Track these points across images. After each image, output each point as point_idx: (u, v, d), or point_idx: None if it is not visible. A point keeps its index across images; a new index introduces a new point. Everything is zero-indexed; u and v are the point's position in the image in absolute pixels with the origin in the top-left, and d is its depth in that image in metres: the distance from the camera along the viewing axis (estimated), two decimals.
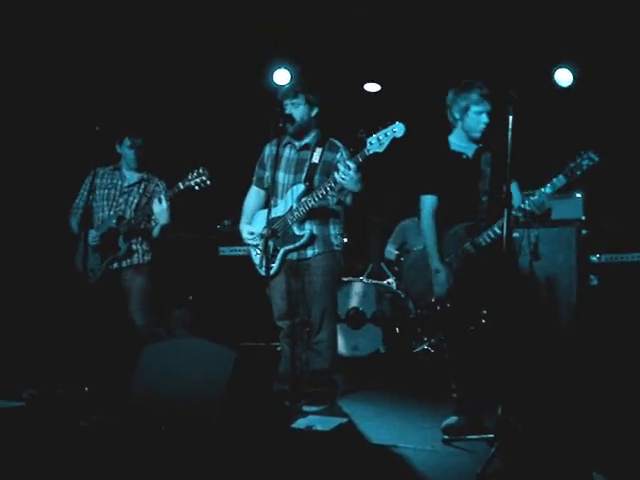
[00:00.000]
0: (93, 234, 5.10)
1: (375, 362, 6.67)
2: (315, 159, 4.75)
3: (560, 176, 3.92)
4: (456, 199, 4.19)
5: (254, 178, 5.04)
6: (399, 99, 7.43)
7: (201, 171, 4.84)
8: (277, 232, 4.65)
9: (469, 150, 4.24)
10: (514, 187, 3.98)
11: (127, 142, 5.26)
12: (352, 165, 4.26)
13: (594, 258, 6.58)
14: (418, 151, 4.29)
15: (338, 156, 4.71)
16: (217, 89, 7.59)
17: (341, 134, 4.81)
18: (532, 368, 4.69)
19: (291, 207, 4.67)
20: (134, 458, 3.51)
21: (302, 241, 4.67)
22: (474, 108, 4.14)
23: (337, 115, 5.45)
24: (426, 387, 5.47)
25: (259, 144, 5.04)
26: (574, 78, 7.26)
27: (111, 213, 5.18)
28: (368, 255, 7.92)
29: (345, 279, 6.87)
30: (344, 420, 4.47)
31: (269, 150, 4.94)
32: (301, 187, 4.68)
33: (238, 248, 7.13)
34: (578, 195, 6.20)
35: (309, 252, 4.72)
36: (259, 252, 4.80)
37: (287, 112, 4.73)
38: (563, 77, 7.29)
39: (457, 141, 4.27)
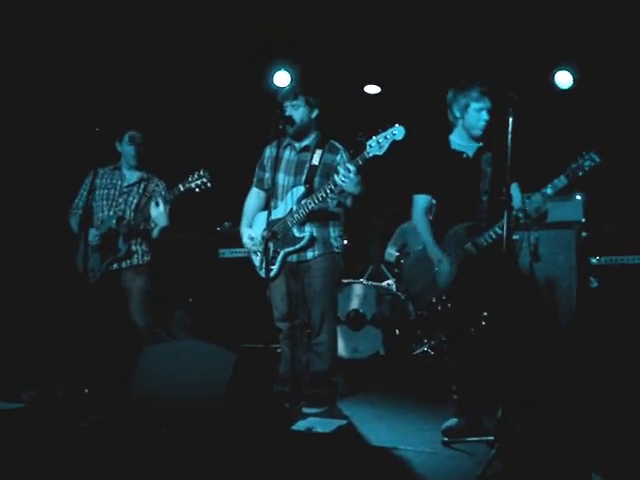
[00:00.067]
0: (94, 233, 5.09)
1: (375, 364, 6.67)
2: (315, 161, 4.75)
3: (562, 177, 3.92)
4: (456, 198, 4.19)
5: (254, 180, 5.04)
6: (399, 101, 7.44)
7: (202, 173, 4.84)
8: (277, 234, 4.65)
9: (470, 149, 4.24)
10: (515, 188, 3.98)
11: (127, 137, 5.25)
12: (352, 168, 4.26)
13: (594, 260, 6.59)
14: (417, 150, 4.30)
15: (338, 158, 4.72)
16: (217, 91, 7.59)
17: (341, 136, 4.81)
18: (532, 370, 4.69)
19: (291, 209, 4.67)
20: (134, 459, 3.50)
21: (302, 243, 4.68)
22: (474, 105, 4.15)
23: (337, 117, 5.46)
24: (426, 389, 5.47)
25: (259, 146, 5.05)
26: (574, 80, 7.26)
27: (111, 213, 5.17)
28: (368, 257, 7.91)
29: (345, 281, 6.87)
30: (344, 422, 4.46)
31: (269, 152, 4.94)
32: (301, 189, 4.69)
33: (238, 250, 7.13)
34: (578, 197, 6.20)
35: (309, 254, 4.72)
36: (259, 254, 4.80)
37: (287, 114, 4.73)
38: (563, 79, 7.30)
39: (458, 140, 4.28)
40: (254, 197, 5.03)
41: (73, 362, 4.82)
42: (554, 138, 6.82)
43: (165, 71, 7.19)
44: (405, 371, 6.47)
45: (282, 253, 4.71)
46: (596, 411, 4.42)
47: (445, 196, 4.28)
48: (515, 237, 4.15)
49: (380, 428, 4.39)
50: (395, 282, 7.22)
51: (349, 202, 4.67)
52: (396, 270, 7.20)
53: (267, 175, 4.91)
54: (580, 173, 3.89)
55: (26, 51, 6.44)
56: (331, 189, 4.43)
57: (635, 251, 6.60)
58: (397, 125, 4.19)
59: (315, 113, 4.82)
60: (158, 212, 4.94)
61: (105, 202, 5.22)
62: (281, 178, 4.81)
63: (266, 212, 4.62)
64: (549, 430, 4.05)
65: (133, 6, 6.48)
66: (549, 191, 3.95)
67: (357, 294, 6.96)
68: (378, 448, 3.97)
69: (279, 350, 4.93)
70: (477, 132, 4.20)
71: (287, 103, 4.76)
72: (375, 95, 8.19)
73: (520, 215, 3.94)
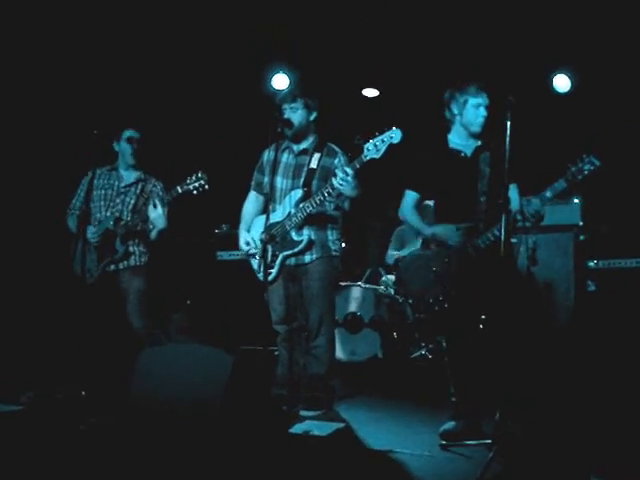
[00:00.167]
0: (92, 230, 5.08)
1: (373, 367, 6.67)
2: (313, 164, 4.75)
3: (561, 180, 3.93)
4: (454, 198, 4.20)
5: (252, 183, 5.04)
6: (397, 104, 7.45)
7: (199, 175, 4.84)
8: (275, 237, 4.66)
9: (468, 148, 4.25)
10: (513, 190, 3.99)
11: (125, 136, 5.25)
12: (349, 171, 4.27)
13: (592, 264, 6.59)
14: (414, 149, 4.32)
15: (336, 162, 4.72)
16: (216, 93, 7.59)
17: (339, 139, 4.82)
18: (530, 373, 4.70)
19: (289, 212, 4.68)
20: (132, 461, 3.50)
21: (300, 247, 4.68)
22: (472, 101, 4.17)
23: (335, 120, 5.46)
24: (424, 392, 5.47)
25: (257, 148, 5.05)
26: (572, 84, 7.28)
27: (108, 214, 5.17)
28: (366, 260, 7.91)
29: (343, 284, 6.87)
30: (341, 425, 4.46)
31: (268, 155, 4.94)
32: (299, 192, 4.69)
33: (236, 252, 7.11)
34: (576, 201, 6.21)
35: (307, 257, 4.72)
36: (258, 257, 4.80)
37: (286, 116, 4.74)
38: (561, 83, 7.31)
39: (456, 139, 4.29)
40: (252, 201, 5.03)
41: (71, 364, 4.82)
42: (552, 141, 6.83)
43: (164, 73, 7.19)
44: (403, 374, 6.47)
45: (281, 256, 4.71)
46: (594, 414, 4.43)
47: (443, 195, 4.30)
48: (513, 240, 4.16)
49: (378, 431, 4.39)
50: (393, 283, 7.20)
51: (347, 205, 4.68)
52: (394, 272, 7.20)
53: (265, 179, 4.91)
54: (580, 177, 3.89)
55: (25, 52, 6.44)
56: (329, 192, 4.43)
57: (633, 254, 6.60)
58: (394, 128, 4.21)
59: (313, 116, 4.83)
60: (156, 214, 4.94)
61: (102, 203, 5.22)
62: (279, 181, 4.81)
63: (264, 216, 4.63)
64: (547, 433, 4.05)
65: (132, 7, 6.48)
66: (548, 194, 3.96)
67: (355, 297, 6.96)
68: (376, 451, 3.97)
69: (277, 353, 4.93)
70: (476, 128, 4.21)
71: (285, 106, 4.76)
72: (373, 98, 8.20)
73: (518, 217, 3.95)
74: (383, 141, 4.19)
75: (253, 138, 5.16)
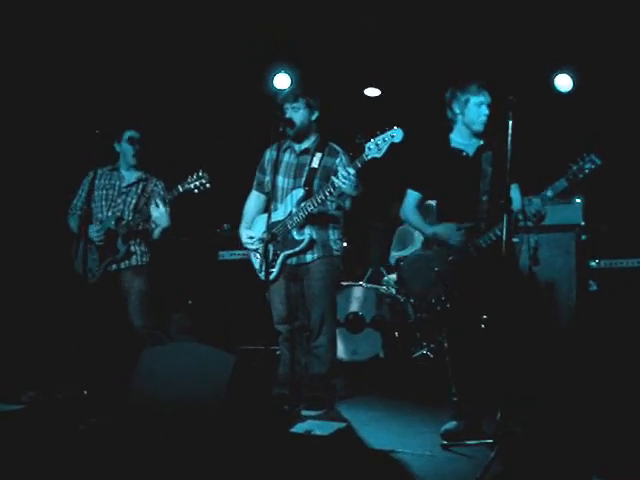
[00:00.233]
0: (95, 229, 5.08)
1: (374, 367, 6.66)
2: (315, 164, 4.75)
3: (562, 180, 3.93)
4: (456, 197, 4.20)
5: (254, 182, 5.04)
6: (399, 104, 7.44)
7: (200, 174, 4.84)
8: (277, 236, 4.65)
9: (470, 148, 4.25)
10: (515, 189, 3.99)
11: (126, 137, 5.25)
12: (351, 171, 4.27)
13: (593, 263, 6.59)
14: (416, 148, 4.32)
15: (337, 161, 4.72)
16: (217, 93, 7.59)
17: (341, 139, 4.82)
18: (532, 372, 4.69)
19: (290, 212, 4.67)
20: (133, 461, 3.50)
21: (302, 246, 4.67)
22: (474, 99, 4.16)
23: (337, 120, 5.46)
24: (425, 392, 5.47)
25: (259, 148, 5.05)
26: (574, 84, 7.27)
27: (109, 214, 5.17)
28: (368, 260, 7.91)
29: (345, 283, 6.87)
30: (343, 425, 4.46)
31: (269, 154, 4.94)
32: (300, 192, 4.69)
33: (238, 252, 7.13)
34: (578, 200, 6.20)
35: (308, 257, 4.72)
36: (259, 257, 4.80)
37: (287, 116, 4.74)
38: (563, 83, 7.31)
39: (458, 138, 4.29)
40: (254, 200, 5.03)
41: (72, 364, 4.82)
42: (554, 141, 6.83)
43: (165, 73, 7.19)
44: (404, 374, 6.46)
45: (282, 256, 4.71)
46: (596, 414, 4.42)
47: (445, 195, 4.29)
48: (515, 240, 4.15)
49: (379, 431, 4.39)
50: (395, 283, 7.20)
51: (347, 204, 4.67)
52: (396, 272, 7.19)
53: (267, 178, 4.91)
54: (580, 176, 3.89)
55: (25, 52, 6.44)
56: (330, 192, 4.43)
57: (634, 254, 6.60)
58: (396, 127, 4.21)
59: (315, 115, 4.82)
60: (159, 213, 4.94)
61: (104, 203, 5.22)
62: (281, 181, 4.81)
63: (266, 215, 4.63)
64: (549, 433, 4.05)
65: (133, 8, 6.48)
66: (549, 194, 3.95)
67: (356, 297, 6.96)
68: (377, 451, 3.97)
69: (278, 352, 4.93)
70: (478, 127, 4.21)
71: (287, 105, 4.76)
72: (375, 98, 8.19)
73: (520, 217, 3.94)
74: (385, 140, 4.19)
75: (255, 138, 5.16)
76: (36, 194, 6.60)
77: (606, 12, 6.34)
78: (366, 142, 4.24)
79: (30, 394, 4.94)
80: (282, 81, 7.64)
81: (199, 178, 4.84)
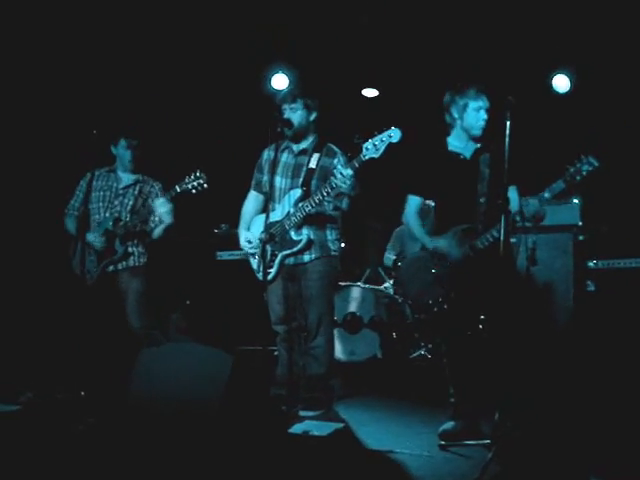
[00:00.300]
0: (96, 237, 5.08)
1: (372, 367, 6.67)
2: (312, 164, 4.75)
3: (559, 181, 3.93)
4: (454, 200, 4.20)
5: (252, 182, 5.04)
6: (397, 104, 7.44)
7: (198, 174, 4.86)
8: (275, 237, 4.65)
9: (467, 151, 4.25)
10: (512, 191, 3.99)
11: (123, 143, 5.26)
12: (349, 172, 4.27)
13: (591, 264, 6.59)
14: (414, 152, 4.32)
15: (335, 162, 4.71)
16: (215, 93, 7.59)
17: (339, 139, 4.82)
18: (529, 373, 4.69)
19: (288, 212, 4.68)
20: (131, 462, 3.50)
21: (300, 246, 4.67)
22: (472, 104, 4.16)
23: (335, 120, 5.46)
24: (423, 392, 5.47)
25: (257, 148, 5.05)
26: (572, 84, 7.27)
27: (107, 215, 5.18)
28: (366, 260, 7.91)
29: (343, 284, 6.87)
30: (340, 425, 4.46)
31: (267, 155, 4.94)
32: (298, 192, 4.69)
33: (235, 252, 7.12)
34: (575, 201, 6.21)
35: (306, 257, 4.72)
36: (257, 257, 4.80)
37: (285, 116, 4.74)
38: (561, 83, 7.31)
39: (455, 142, 4.29)
40: (252, 200, 5.03)
41: (70, 364, 4.82)
42: (552, 142, 6.83)
43: (163, 73, 7.19)
44: (402, 374, 6.47)
45: (280, 256, 4.71)
46: (594, 414, 4.43)
47: (443, 198, 4.30)
48: (512, 240, 4.16)
49: (377, 431, 4.39)
50: (392, 285, 7.22)
51: (344, 204, 4.66)
52: (393, 274, 7.20)
53: (265, 178, 4.91)
54: (578, 178, 3.89)
55: (24, 53, 6.44)
56: (327, 192, 4.43)
57: (632, 254, 6.60)
58: (393, 127, 4.20)
59: (313, 116, 4.83)
60: (166, 209, 4.97)
61: (101, 204, 5.22)
62: (278, 181, 4.81)
63: (264, 215, 4.64)
64: (546, 433, 4.05)
65: (132, 8, 6.48)
66: (547, 195, 3.96)
67: (354, 297, 6.96)
68: (375, 451, 3.97)
69: (276, 353, 4.93)
70: (476, 132, 4.21)
71: (285, 106, 4.76)
72: (373, 98, 8.19)
73: (517, 219, 3.95)
74: (382, 140, 4.19)
75: (253, 138, 5.16)
76: (34, 194, 6.59)
77: (604, 12, 6.34)
78: (364, 142, 4.24)
79: (28, 395, 4.94)
80: (280, 81, 7.64)
81: (197, 178, 4.85)
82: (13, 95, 6.57)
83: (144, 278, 5.21)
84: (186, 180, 4.87)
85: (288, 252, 4.70)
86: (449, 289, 4.11)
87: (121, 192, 5.26)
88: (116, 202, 5.23)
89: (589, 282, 6.44)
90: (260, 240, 4.68)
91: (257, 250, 4.78)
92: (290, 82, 7.52)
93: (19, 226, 6.57)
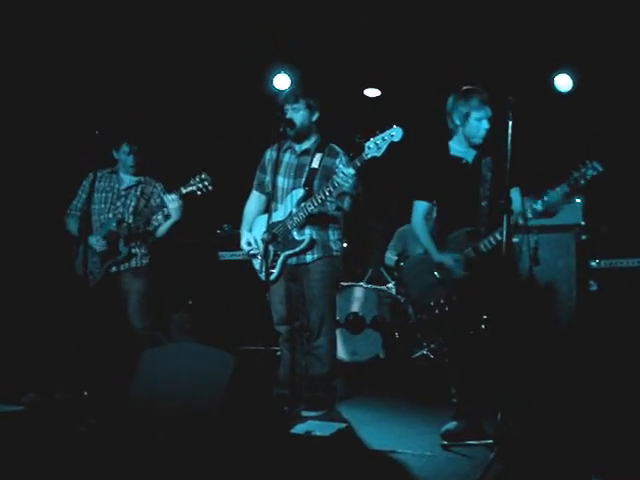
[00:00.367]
0: (98, 240, 5.08)
1: (374, 367, 6.66)
2: (315, 164, 4.75)
3: (563, 185, 3.91)
4: (457, 204, 4.20)
5: (255, 183, 5.04)
6: (399, 104, 7.44)
7: (203, 176, 4.87)
8: (277, 237, 4.65)
9: (469, 155, 4.25)
10: (515, 192, 3.98)
11: (125, 148, 5.27)
12: (351, 171, 4.27)
13: (594, 263, 6.58)
14: (417, 156, 4.32)
15: (337, 162, 4.71)
16: (217, 94, 7.59)
17: (340, 139, 4.81)
18: (532, 373, 4.69)
19: (290, 212, 4.67)
20: (133, 463, 3.50)
21: (302, 246, 4.67)
22: (475, 114, 4.15)
23: (337, 120, 5.46)
24: (425, 392, 5.47)
25: (259, 148, 5.05)
26: (574, 83, 7.27)
27: (110, 216, 5.18)
28: (368, 260, 7.91)
29: (345, 284, 6.87)
30: (343, 425, 4.46)
31: (270, 155, 4.94)
32: (300, 192, 4.68)
33: (238, 252, 7.08)
34: (578, 200, 6.20)
35: (308, 257, 4.72)
36: (259, 257, 4.80)
37: (288, 117, 4.73)
38: (563, 82, 7.30)
39: (457, 146, 4.29)
40: (254, 200, 5.03)
41: (72, 365, 4.83)
42: (554, 141, 6.82)
43: (165, 74, 7.19)
44: (404, 374, 6.46)
45: (282, 256, 4.71)
46: (596, 414, 4.42)
47: (446, 202, 4.30)
48: (515, 240, 4.15)
49: (379, 431, 4.39)
50: (395, 285, 7.22)
51: (346, 204, 4.65)
52: (396, 274, 7.20)
53: (267, 178, 4.91)
54: (582, 182, 3.88)
55: (25, 54, 6.44)
56: (330, 191, 4.43)
57: (635, 254, 6.59)
58: (395, 126, 4.20)
59: (316, 116, 4.82)
60: (177, 205, 4.98)
61: (104, 206, 5.23)
62: (281, 181, 4.81)
63: (266, 215, 4.64)
64: (549, 433, 4.05)
65: (133, 8, 6.48)
66: (547, 199, 3.95)
67: (357, 297, 6.96)
68: (377, 451, 3.97)
69: (279, 353, 4.93)
70: (477, 140, 4.21)
71: (288, 106, 4.76)
72: (375, 98, 8.19)
73: (520, 221, 3.93)
74: (384, 139, 4.19)
75: (255, 138, 5.16)
76: (36, 195, 6.59)
77: (606, 12, 6.33)
78: (365, 141, 4.23)
79: (30, 395, 4.94)
80: (282, 81, 7.64)
81: (202, 180, 4.86)
82: (16, 97, 6.57)
83: (146, 279, 5.21)
84: (191, 182, 4.89)
85: (290, 252, 4.70)
86: (451, 292, 4.11)
87: (123, 193, 5.27)
88: (118, 203, 5.23)
89: (592, 282, 6.44)
90: (263, 240, 4.68)
91: (257, 252, 4.78)
92: (292, 82, 7.53)
93: (21, 226, 6.58)
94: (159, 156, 5.66)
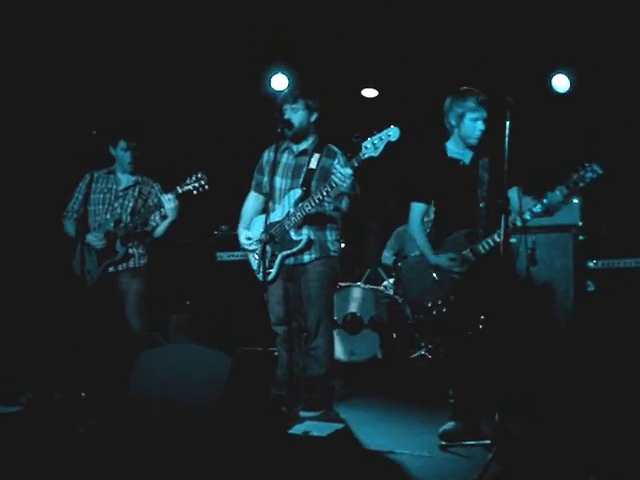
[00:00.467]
0: (96, 236, 5.08)
1: (372, 367, 6.66)
2: (313, 165, 4.75)
3: (562, 187, 3.91)
4: (454, 206, 4.21)
5: (253, 183, 5.04)
6: (397, 105, 7.44)
7: (199, 175, 4.87)
8: (275, 237, 4.65)
9: (466, 157, 4.25)
10: (514, 192, 3.98)
11: (122, 145, 5.25)
12: (348, 171, 4.27)
13: (591, 264, 6.59)
14: (414, 158, 4.32)
15: (335, 162, 4.70)
16: (215, 94, 7.59)
17: (338, 139, 4.81)
18: (529, 373, 4.69)
19: (288, 212, 4.67)
20: (131, 463, 3.50)
21: (300, 246, 4.67)
22: (470, 115, 4.15)
23: (335, 120, 5.46)
24: (423, 393, 5.47)
25: (257, 149, 5.05)
26: (571, 84, 7.27)
27: (107, 217, 5.18)
28: (366, 260, 7.91)
29: (343, 284, 6.87)
30: (341, 426, 4.46)
31: (268, 155, 4.94)
32: (298, 192, 4.68)
33: (235, 253, 7.12)
34: (575, 201, 6.20)
35: (306, 257, 4.71)
36: (257, 257, 4.80)
37: (286, 117, 4.73)
38: (560, 83, 7.31)
39: (454, 147, 4.29)
40: (252, 201, 5.03)
41: (70, 365, 4.82)
42: (551, 142, 6.83)
43: (164, 73, 7.19)
44: (402, 375, 6.46)
45: (280, 256, 4.71)
46: (594, 414, 4.43)
47: (444, 203, 4.30)
48: (512, 240, 4.15)
49: (377, 432, 4.39)
50: (392, 284, 7.21)
51: (344, 205, 4.65)
52: (393, 273, 7.20)
53: (265, 179, 4.91)
54: (581, 184, 3.88)
55: (24, 54, 6.44)
56: (327, 191, 4.42)
57: (632, 254, 6.60)
58: (392, 126, 4.19)
59: (314, 117, 4.82)
60: (174, 205, 4.98)
61: (101, 206, 5.22)
62: (278, 181, 4.81)
63: (264, 215, 4.63)
64: (546, 433, 4.05)
65: (132, 8, 6.48)
66: (546, 201, 3.95)
67: (354, 297, 6.96)
68: (375, 452, 3.97)
69: (276, 354, 4.93)
70: (472, 141, 4.21)
71: (286, 106, 4.75)
72: (373, 98, 8.19)
73: (518, 222, 3.93)
74: (381, 139, 4.18)
75: (253, 139, 5.16)
76: (33, 195, 6.59)
77: (604, 12, 6.34)
78: (363, 141, 4.23)
79: (28, 396, 4.94)
80: (280, 82, 7.64)
81: (198, 179, 4.86)
82: (12, 97, 6.57)
83: (144, 279, 5.21)
84: (187, 181, 4.89)
85: (288, 252, 4.70)
86: (449, 293, 4.11)
87: (121, 194, 5.26)
88: (116, 204, 5.23)
89: (589, 282, 6.44)
90: (260, 241, 4.68)
91: (257, 247, 4.77)
92: (289, 83, 7.52)
93: (19, 227, 6.57)
94: (157, 157, 5.64)
